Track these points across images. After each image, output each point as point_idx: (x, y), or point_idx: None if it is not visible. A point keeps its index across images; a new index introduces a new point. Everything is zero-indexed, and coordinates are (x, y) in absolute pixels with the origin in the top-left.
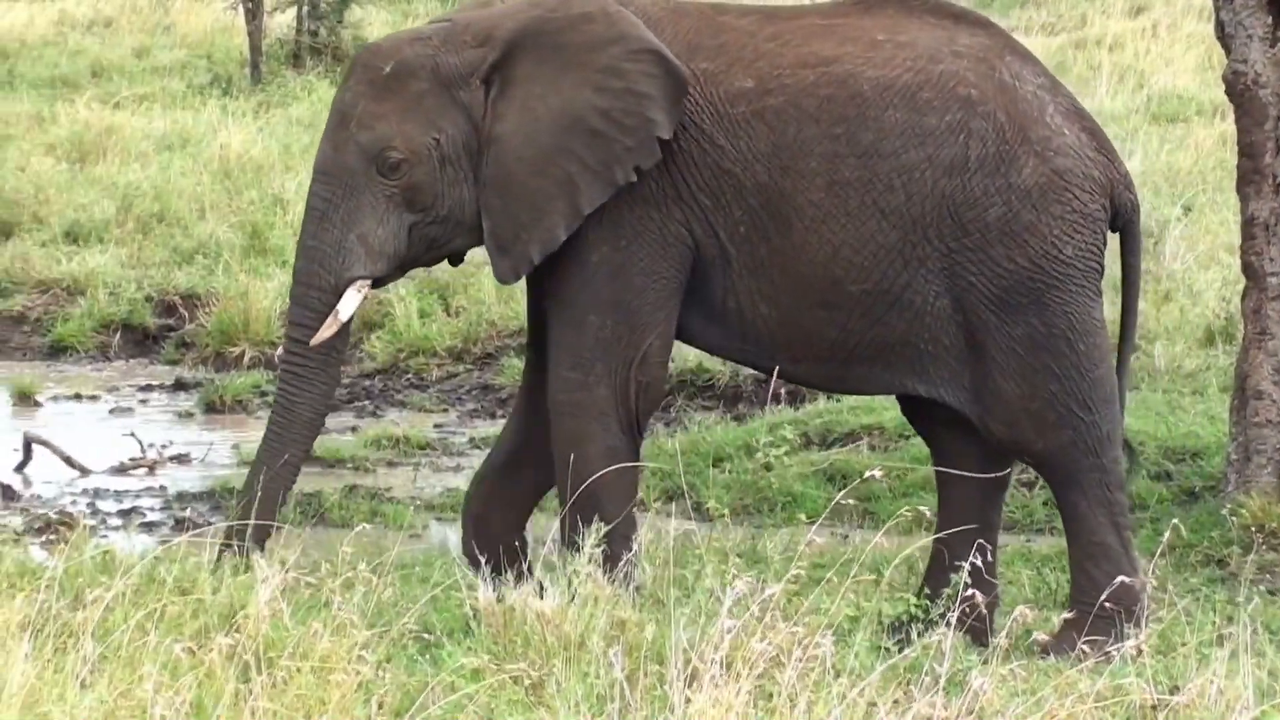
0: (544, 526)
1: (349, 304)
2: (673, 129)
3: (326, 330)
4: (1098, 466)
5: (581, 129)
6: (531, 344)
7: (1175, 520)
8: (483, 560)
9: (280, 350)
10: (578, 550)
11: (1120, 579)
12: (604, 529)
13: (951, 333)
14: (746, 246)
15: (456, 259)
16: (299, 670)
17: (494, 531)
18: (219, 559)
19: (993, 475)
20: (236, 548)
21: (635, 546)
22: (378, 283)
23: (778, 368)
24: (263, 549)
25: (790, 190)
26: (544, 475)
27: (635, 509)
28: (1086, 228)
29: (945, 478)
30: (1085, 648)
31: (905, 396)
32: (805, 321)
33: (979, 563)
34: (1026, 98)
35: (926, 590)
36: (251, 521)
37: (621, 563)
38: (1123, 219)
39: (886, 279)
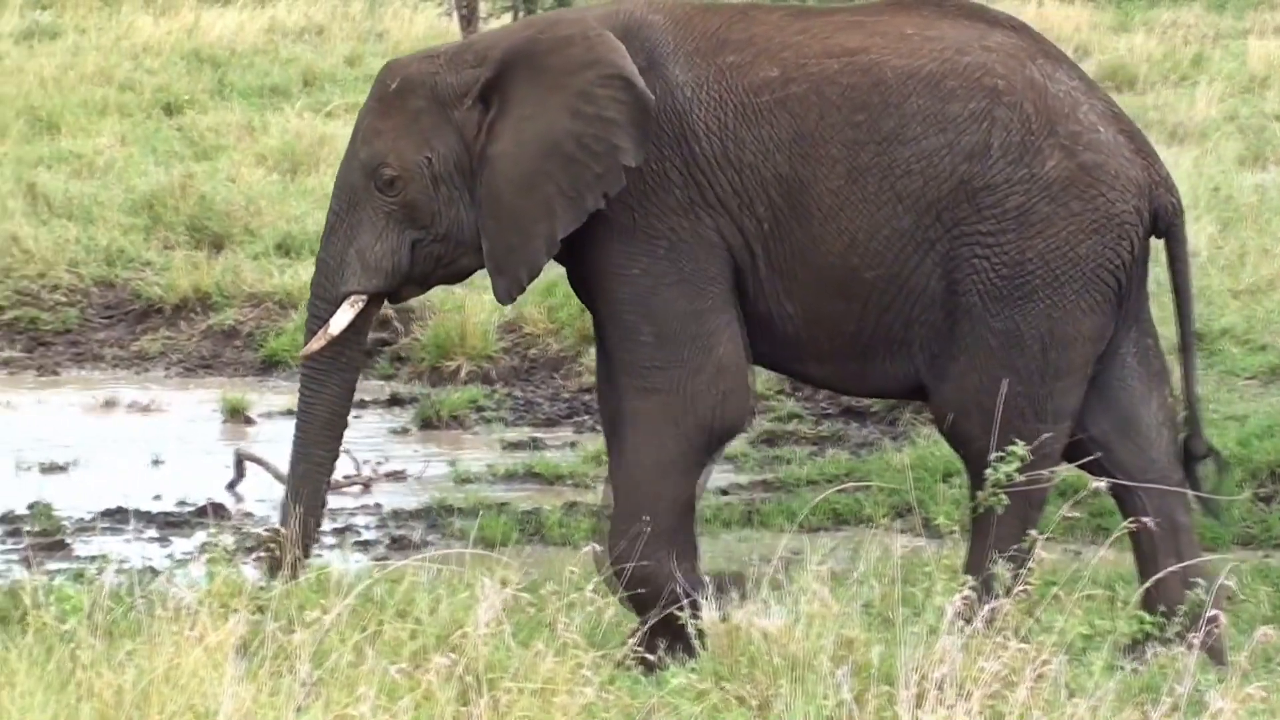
0: (768, 545)
1: (340, 318)
2: (641, 157)
3: (316, 343)
4: (1030, 477)
5: (558, 154)
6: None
7: None
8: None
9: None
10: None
11: None
12: (646, 535)
13: (937, 315)
14: (771, 244)
15: (461, 277)
16: (520, 692)
17: None
18: (271, 567)
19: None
20: (280, 552)
21: (679, 558)
22: (393, 298)
23: (805, 372)
24: (307, 553)
25: (810, 179)
26: None
27: (692, 521)
28: (1108, 230)
29: (1118, 493)
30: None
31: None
32: (826, 316)
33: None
34: (1058, 94)
35: (1161, 609)
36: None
37: (656, 565)
38: (1164, 222)
39: (898, 263)
